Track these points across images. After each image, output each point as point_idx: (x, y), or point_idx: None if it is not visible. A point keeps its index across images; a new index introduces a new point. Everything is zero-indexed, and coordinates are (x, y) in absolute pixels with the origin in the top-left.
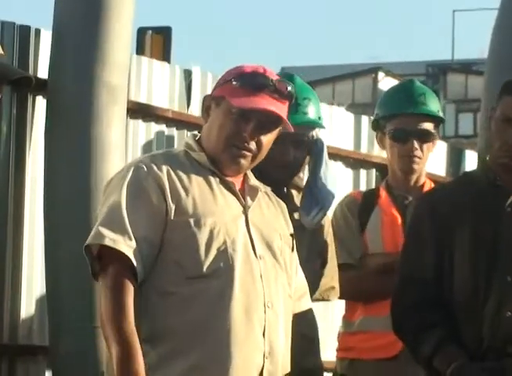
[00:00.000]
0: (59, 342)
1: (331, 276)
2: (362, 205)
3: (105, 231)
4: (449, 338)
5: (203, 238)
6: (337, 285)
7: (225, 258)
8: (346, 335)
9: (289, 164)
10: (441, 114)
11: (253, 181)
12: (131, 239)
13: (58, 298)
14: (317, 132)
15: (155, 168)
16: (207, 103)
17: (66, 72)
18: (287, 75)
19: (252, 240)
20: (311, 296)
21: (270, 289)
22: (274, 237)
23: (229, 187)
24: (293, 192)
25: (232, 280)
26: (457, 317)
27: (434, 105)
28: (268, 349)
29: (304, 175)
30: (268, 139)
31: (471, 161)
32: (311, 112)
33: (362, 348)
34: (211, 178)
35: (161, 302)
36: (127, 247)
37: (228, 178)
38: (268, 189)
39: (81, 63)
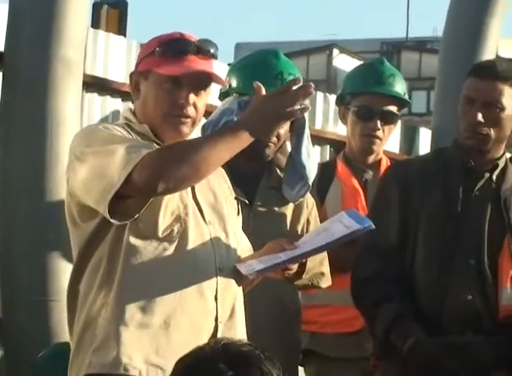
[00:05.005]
0: (12, 315)
1: (319, 260)
2: (319, 178)
3: (133, 152)
4: (407, 313)
5: (161, 201)
6: (326, 270)
7: (178, 223)
8: (308, 309)
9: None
10: (407, 97)
11: None
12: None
13: (11, 271)
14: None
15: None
16: (135, 79)
17: (22, 45)
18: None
19: (200, 206)
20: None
21: (221, 253)
22: (221, 202)
23: None
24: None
25: (184, 244)
26: (417, 291)
27: (401, 87)
28: (221, 313)
29: (286, 153)
30: (203, 100)
31: (424, 139)
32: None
33: (325, 322)
34: (155, 147)
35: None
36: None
37: None
38: None
39: (37, 37)
